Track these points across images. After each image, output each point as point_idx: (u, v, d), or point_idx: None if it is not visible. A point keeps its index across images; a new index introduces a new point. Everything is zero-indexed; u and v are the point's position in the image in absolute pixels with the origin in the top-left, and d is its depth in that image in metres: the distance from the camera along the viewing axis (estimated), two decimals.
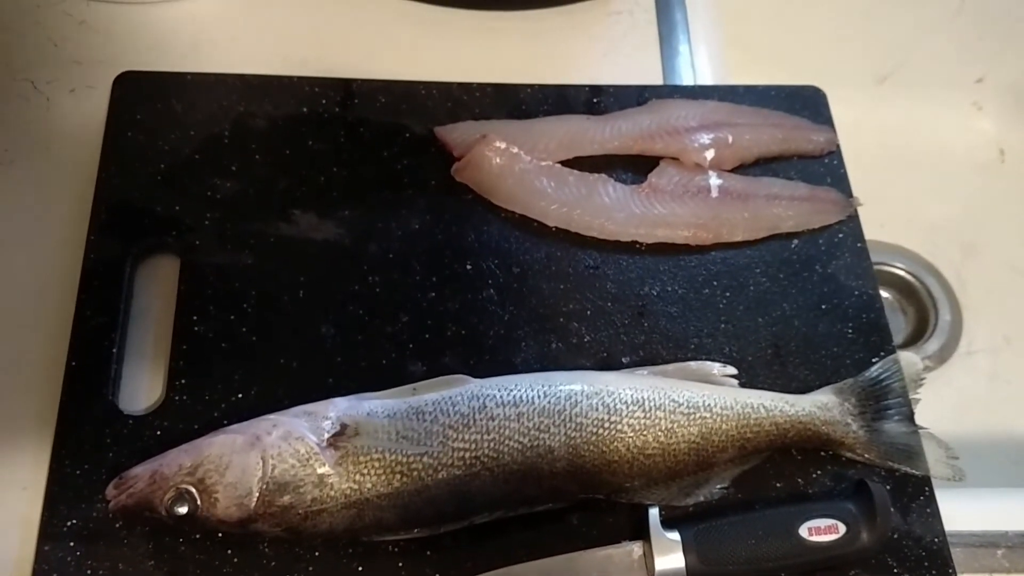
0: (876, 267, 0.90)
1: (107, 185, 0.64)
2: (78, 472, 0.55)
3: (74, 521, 0.54)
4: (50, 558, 0.52)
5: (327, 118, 0.69)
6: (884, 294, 0.93)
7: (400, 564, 0.54)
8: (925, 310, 0.92)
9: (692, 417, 0.56)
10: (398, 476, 0.51)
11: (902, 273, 0.94)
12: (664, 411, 0.55)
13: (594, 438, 0.54)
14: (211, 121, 0.67)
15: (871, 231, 0.69)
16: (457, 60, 0.76)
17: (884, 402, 0.59)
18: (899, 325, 0.93)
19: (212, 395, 0.58)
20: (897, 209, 0.95)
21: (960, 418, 0.86)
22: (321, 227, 0.64)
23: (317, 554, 0.54)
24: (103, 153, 0.65)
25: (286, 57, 0.74)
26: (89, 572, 0.52)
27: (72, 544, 0.53)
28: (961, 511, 0.60)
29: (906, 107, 1.00)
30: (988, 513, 0.61)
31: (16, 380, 0.60)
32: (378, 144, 0.68)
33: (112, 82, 0.68)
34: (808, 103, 0.74)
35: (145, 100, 0.67)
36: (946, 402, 0.87)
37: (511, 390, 0.54)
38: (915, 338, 0.91)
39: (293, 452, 0.51)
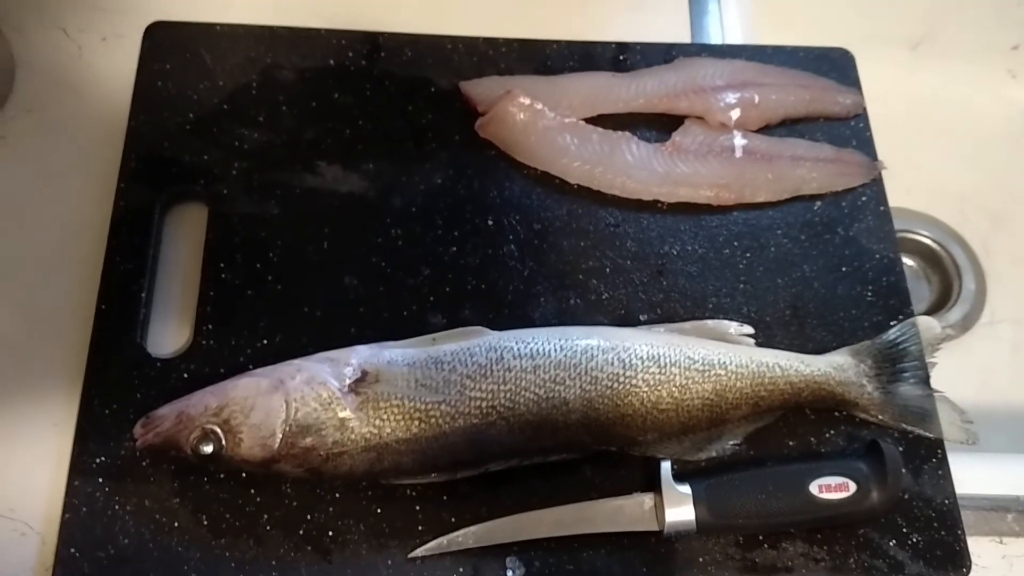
0: (901, 234, 0.89)
1: (137, 133, 0.65)
2: (107, 412, 0.57)
3: (103, 458, 0.56)
4: (80, 492, 0.55)
5: (353, 71, 0.69)
6: (908, 261, 0.92)
7: (417, 507, 0.55)
8: (949, 278, 0.91)
9: (707, 374, 0.56)
10: (416, 422, 0.52)
11: (927, 241, 0.93)
12: (679, 367, 0.56)
13: (609, 392, 0.54)
14: (239, 72, 0.68)
15: (897, 198, 0.69)
16: (483, 15, 0.76)
17: (900, 365, 0.59)
18: (923, 293, 0.92)
19: (238, 340, 0.59)
20: (925, 176, 0.94)
21: (981, 386, 0.85)
22: (346, 179, 0.65)
23: (337, 495, 0.55)
24: (133, 102, 0.66)
25: (314, 10, 0.74)
26: (117, 507, 0.54)
27: (101, 480, 0.55)
28: (973, 474, 0.60)
29: (939, 73, 0.98)
30: (1000, 477, 0.61)
31: (49, 322, 0.62)
32: (403, 98, 0.68)
33: (143, 32, 0.68)
34: (836, 65, 0.73)
35: (175, 50, 0.68)
36: (967, 370, 0.86)
37: (528, 343, 0.55)
38: (938, 306, 0.91)
39: (316, 396, 0.52)
